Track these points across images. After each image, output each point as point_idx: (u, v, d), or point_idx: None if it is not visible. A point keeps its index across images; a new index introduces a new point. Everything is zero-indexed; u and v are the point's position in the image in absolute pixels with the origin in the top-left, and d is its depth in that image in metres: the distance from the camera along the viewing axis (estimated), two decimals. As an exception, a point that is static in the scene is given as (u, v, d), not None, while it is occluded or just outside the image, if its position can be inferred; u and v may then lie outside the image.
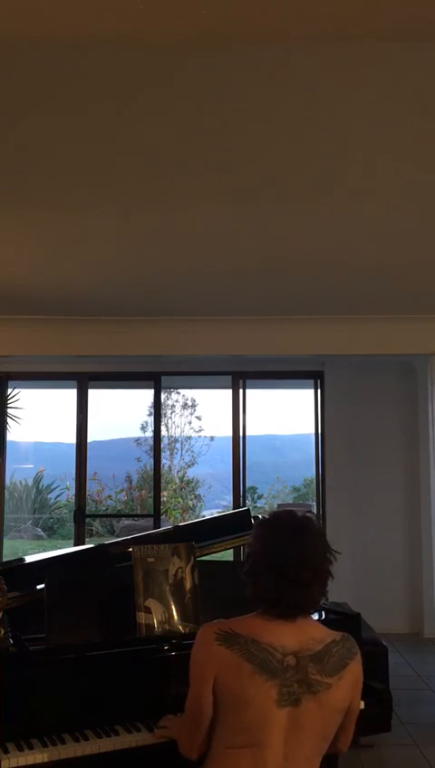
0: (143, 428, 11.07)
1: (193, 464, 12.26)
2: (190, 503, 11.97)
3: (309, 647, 1.87)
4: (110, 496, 11.38)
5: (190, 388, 11.56)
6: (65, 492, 12.04)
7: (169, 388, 11.60)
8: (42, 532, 12.45)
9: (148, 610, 2.85)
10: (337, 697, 1.86)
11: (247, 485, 7.96)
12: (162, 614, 2.86)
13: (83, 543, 7.31)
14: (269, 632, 1.86)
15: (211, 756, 1.90)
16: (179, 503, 11.76)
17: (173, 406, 12.26)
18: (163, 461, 10.67)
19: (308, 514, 1.99)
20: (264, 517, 2.02)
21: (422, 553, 6.77)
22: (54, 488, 12.57)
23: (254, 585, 1.91)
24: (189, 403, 12.34)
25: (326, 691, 1.84)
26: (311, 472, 7.95)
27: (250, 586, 1.92)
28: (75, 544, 7.34)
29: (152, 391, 7.26)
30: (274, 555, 1.88)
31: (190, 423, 12.39)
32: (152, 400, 7.39)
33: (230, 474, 7.29)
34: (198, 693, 1.88)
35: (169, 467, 11.98)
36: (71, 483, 9.79)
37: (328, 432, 7.13)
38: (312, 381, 7.34)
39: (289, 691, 1.82)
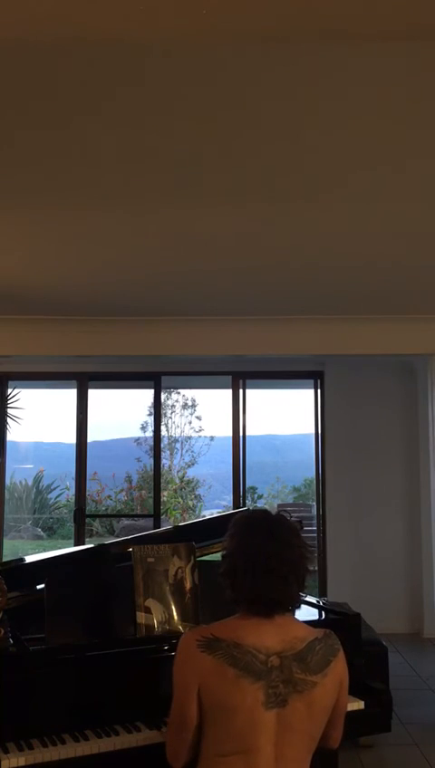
0: (143, 428, 11.09)
1: (193, 464, 12.28)
2: (190, 503, 11.98)
3: (292, 646, 1.86)
4: (109, 496, 11.39)
5: (190, 388, 11.57)
6: (65, 492, 12.05)
7: (169, 388, 11.61)
8: (42, 532, 12.46)
9: (148, 610, 2.85)
10: (323, 695, 1.86)
11: (247, 485, 7.96)
12: (162, 614, 2.86)
13: (83, 543, 7.31)
14: (251, 634, 1.85)
15: (201, 765, 1.88)
16: (179, 503, 11.77)
17: (173, 406, 12.28)
18: (163, 461, 10.68)
19: (282, 513, 2.01)
20: (237, 517, 2.03)
21: (422, 553, 6.77)
22: (54, 488, 12.59)
23: (233, 585, 1.91)
24: (189, 403, 12.35)
25: (312, 689, 1.84)
26: (311, 472, 7.95)
27: (229, 588, 1.92)
28: (75, 544, 7.34)
29: (152, 391, 7.26)
30: (251, 551, 1.89)
31: (190, 423, 12.40)
32: (152, 400, 7.39)
33: (230, 474, 7.29)
34: (181, 701, 1.87)
35: (169, 467, 11.99)
36: (71, 483, 9.80)
37: (328, 432, 7.13)
38: (312, 381, 7.35)
39: (275, 692, 1.81)
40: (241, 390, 7.26)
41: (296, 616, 3.15)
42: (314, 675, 1.85)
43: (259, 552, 1.87)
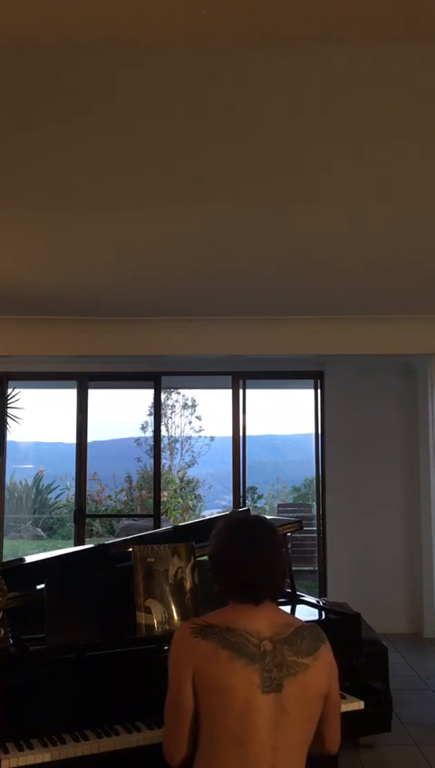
0: (143, 428, 11.09)
1: (193, 464, 12.28)
2: (190, 503, 11.97)
3: (281, 631, 1.94)
4: (110, 496, 11.39)
5: (190, 388, 11.56)
6: (65, 492, 12.05)
7: (169, 388, 11.61)
8: (42, 532, 12.45)
9: (148, 610, 2.85)
10: (316, 678, 1.91)
11: (247, 485, 7.96)
12: (162, 614, 2.86)
13: (83, 543, 7.31)
14: (243, 619, 1.93)
15: (199, 756, 1.90)
16: (179, 503, 11.76)
17: (173, 406, 12.27)
18: (163, 461, 10.68)
19: (259, 514, 2.23)
20: (219, 519, 2.23)
21: (422, 553, 6.77)
22: (54, 488, 12.59)
23: (220, 580, 2.02)
24: (189, 403, 12.35)
25: (305, 672, 1.89)
26: (311, 472, 7.96)
27: (218, 583, 2.03)
28: (75, 544, 7.34)
29: (152, 391, 7.26)
30: (231, 547, 2.01)
31: (190, 423, 12.40)
32: (152, 400, 7.39)
33: (230, 474, 7.29)
34: (176, 690, 1.90)
35: (169, 467, 11.98)
36: (71, 483, 9.80)
37: (328, 432, 7.13)
38: (312, 381, 7.35)
39: (270, 676, 1.86)
40: (241, 390, 7.26)
41: (297, 616, 3.17)
42: (305, 657, 1.92)
43: (238, 546, 2.00)
